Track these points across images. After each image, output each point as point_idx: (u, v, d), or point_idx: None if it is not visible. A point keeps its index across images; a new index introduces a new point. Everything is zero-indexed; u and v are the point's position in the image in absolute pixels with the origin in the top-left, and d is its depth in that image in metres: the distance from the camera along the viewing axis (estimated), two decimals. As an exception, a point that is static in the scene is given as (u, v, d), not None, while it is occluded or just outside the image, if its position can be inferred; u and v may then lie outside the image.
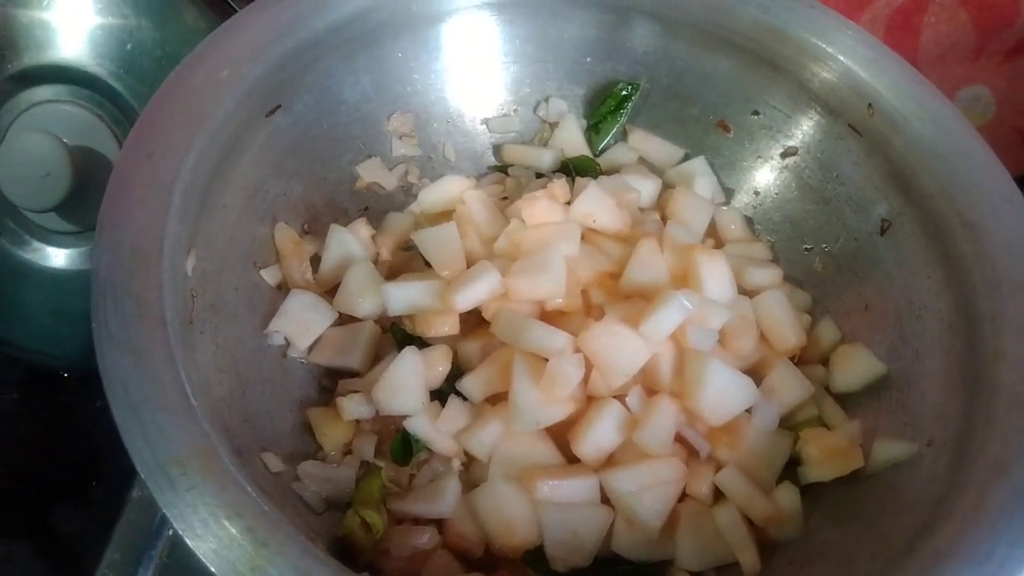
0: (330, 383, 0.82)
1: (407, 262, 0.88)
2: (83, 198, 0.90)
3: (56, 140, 0.89)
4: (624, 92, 0.96)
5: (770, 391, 0.80)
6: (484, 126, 0.98)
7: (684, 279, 0.81)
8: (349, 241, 0.84)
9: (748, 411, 0.77)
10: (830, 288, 0.89)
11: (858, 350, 0.83)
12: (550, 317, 0.78)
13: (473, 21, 0.91)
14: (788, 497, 0.76)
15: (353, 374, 0.81)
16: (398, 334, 0.82)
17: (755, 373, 0.80)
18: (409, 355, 0.76)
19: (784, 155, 0.93)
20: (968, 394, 0.72)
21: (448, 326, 0.78)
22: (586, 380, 0.74)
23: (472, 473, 0.77)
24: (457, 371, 0.79)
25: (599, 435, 0.73)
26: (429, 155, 0.96)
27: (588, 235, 0.84)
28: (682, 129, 0.97)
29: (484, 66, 0.95)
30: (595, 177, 0.91)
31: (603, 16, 0.92)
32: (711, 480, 0.75)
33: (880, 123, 0.83)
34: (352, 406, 0.76)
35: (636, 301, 0.79)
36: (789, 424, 0.81)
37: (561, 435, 0.75)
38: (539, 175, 0.95)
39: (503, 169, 0.97)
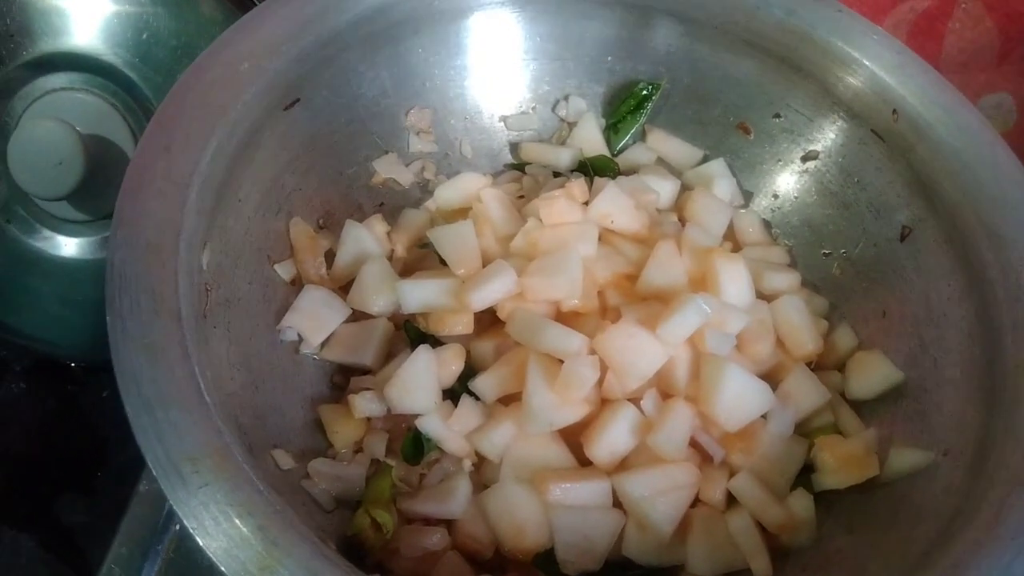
0: (342, 380, 0.81)
1: (422, 259, 0.87)
2: (95, 187, 0.90)
3: (69, 128, 0.88)
4: (644, 92, 0.96)
5: (786, 397, 0.79)
6: (502, 123, 0.97)
7: (702, 282, 0.81)
8: (364, 237, 0.84)
9: (763, 417, 0.77)
10: (848, 293, 0.89)
11: (875, 357, 0.83)
12: (566, 318, 0.78)
13: (494, 18, 0.90)
14: (802, 504, 0.76)
15: (365, 371, 0.80)
16: (412, 332, 0.81)
17: (771, 378, 0.80)
18: (422, 353, 0.76)
19: (805, 159, 0.92)
20: (987, 404, 0.71)
21: (462, 325, 0.78)
22: (601, 382, 0.73)
23: (483, 474, 0.76)
24: (470, 370, 0.78)
25: (613, 438, 0.73)
26: (446, 152, 0.95)
27: (605, 236, 0.83)
28: (702, 130, 0.97)
29: (504, 63, 0.94)
30: (613, 177, 0.90)
31: (625, 15, 0.92)
32: (724, 486, 0.75)
33: (904, 129, 0.83)
34: (364, 404, 0.76)
35: (653, 303, 0.78)
36: (804, 430, 0.80)
37: (574, 437, 0.74)
38: (557, 174, 0.94)
39: (520, 167, 0.96)
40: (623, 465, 0.74)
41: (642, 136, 0.98)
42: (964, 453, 0.70)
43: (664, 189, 0.91)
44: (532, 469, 0.73)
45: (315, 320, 0.79)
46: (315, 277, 0.82)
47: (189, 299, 0.63)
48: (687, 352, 0.75)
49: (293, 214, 0.82)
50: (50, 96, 0.94)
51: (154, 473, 0.55)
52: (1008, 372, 0.70)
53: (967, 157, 0.79)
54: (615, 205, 0.83)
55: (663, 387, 0.76)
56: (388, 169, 0.90)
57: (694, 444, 0.75)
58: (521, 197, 0.91)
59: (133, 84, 0.93)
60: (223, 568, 0.53)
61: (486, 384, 0.76)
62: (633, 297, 0.80)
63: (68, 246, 0.99)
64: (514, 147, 0.98)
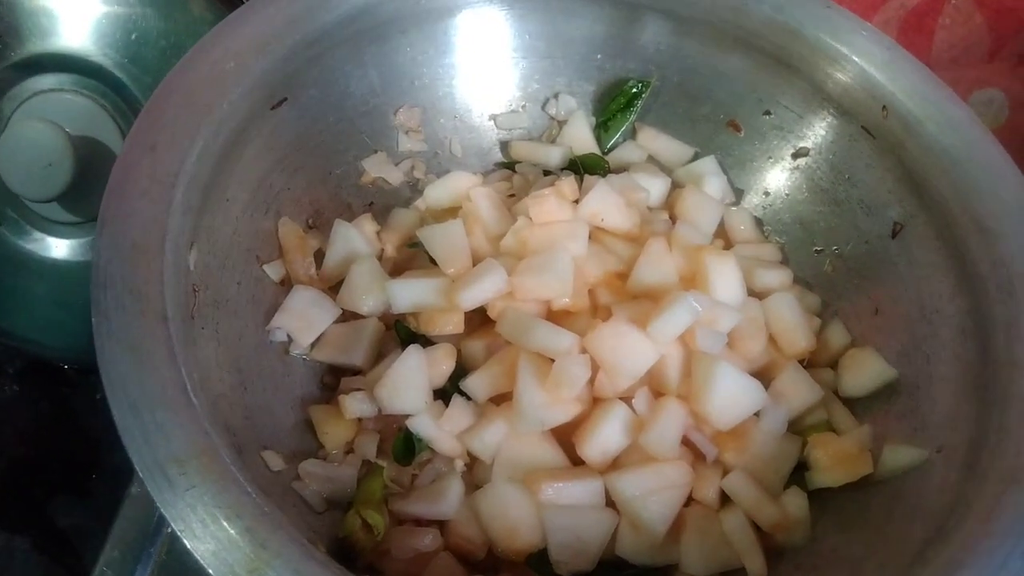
0: (332, 380, 0.81)
1: (412, 259, 0.87)
2: (85, 188, 0.89)
3: (59, 129, 0.88)
4: (634, 90, 0.95)
5: (778, 395, 0.79)
6: (492, 122, 0.97)
7: (693, 280, 0.81)
8: (354, 237, 0.83)
9: (756, 415, 0.77)
10: (840, 291, 0.88)
11: (868, 354, 0.82)
12: (556, 317, 0.77)
13: (483, 16, 0.90)
14: (796, 502, 0.75)
15: (356, 372, 0.80)
16: (402, 332, 0.81)
17: (763, 376, 0.79)
18: (413, 353, 0.75)
19: (795, 156, 0.92)
20: (980, 401, 0.71)
21: (453, 324, 0.77)
22: (592, 381, 0.73)
23: (475, 474, 0.76)
24: (461, 370, 0.78)
25: (605, 437, 0.72)
26: (436, 150, 0.95)
27: (596, 234, 0.83)
28: (692, 128, 0.96)
29: (493, 61, 0.94)
30: (603, 175, 0.90)
31: (614, 12, 0.91)
32: (718, 484, 0.75)
33: (894, 125, 0.82)
34: (354, 404, 0.75)
35: (644, 302, 0.78)
36: (797, 428, 0.80)
37: (566, 437, 0.74)
38: (547, 172, 0.94)
39: (510, 166, 0.96)
40: (615, 464, 0.74)
41: (632, 134, 0.97)
42: (958, 450, 0.70)
43: (654, 187, 0.90)
44: (524, 469, 0.73)
45: (305, 320, 0.79)
46: (304, 277, 0.81)
47: (176, 300, 0.63)
48: (678, 350, 0.75)
49: (282, 214, 0.81)
50: (39, 97, 0.94)
51: (140, 475, 0.55)
52: (1000, 368, 0.70)
53: (957, 153, 0.79)
54: (605, 203, 0.83)
55: (655, 386, 0.76)
56: (377, 168, 0.90)
57: (687, 443, 0.75)
58: (511, 196, 0.90)
59: (122, 85, 0.92)
60: (211, 571, 0.53)
61: (477, 384, 0.76)
62: (624, 295, 0.80)
63: (59, 248, 0.99)
64: (504, 146, 0.97)
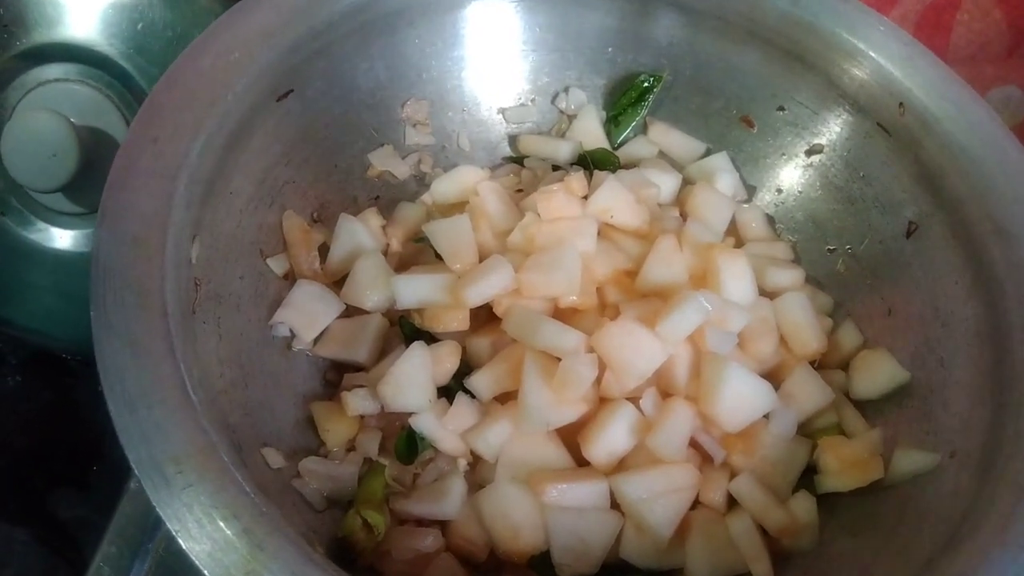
0: (335, 377, 0.80)
1: (418, 254, 0.86)
2: (90, 179, 0.89)
3: (63, 120, 0.87)
4: (646, 84, 0.94)
5: (788, 397, 0.78)
6: (500, 116, 0.96)
7: (703, 279, 0.80)
8: (359, 231, 0.82)
9: (765, 417, 0.76)
10: (853, 291, 0.87)
11: (880, 356, 0.81)
12: (563, 315, 0.76)
13: (492, 8, 0.89)
14: (804, 507, 0.74)
15: (359, 368, 0.79)
16: (406, 328, 0.80)
17: (773, 377, 0.79)
18: (417, 350, 0.74)
19: (809, 153, 0.91)
20: (995, 406, 0.70)
21: (458, 321, 0.76)
22: (599, 381, 0.72)
23: (478, 474, 0.75)
24: (466, 368, 0.77)
25: (611, 438, 0.72)
26: (443, 144, 0.94)
27: (605, 231, 0.82)
28: (704, 123, 0.95)
29: (502, 54, 0.93)
30: (613, 171, 0.89)
31: (626, 5, 0.90)
32: (725, 488, 0.74)
33: (911, 123, 0.81)
34: (357, 401, 0.74)
35: (653, 300, 0.77)
36: (807, 431, 0.79)
37: (571, 437, 0.73)
38: (556, 167, 0.93)
39: (519, 160, 0.95)
40: (621, 466, 0.73)
41: (643, 129, 0.96)
42: (971, 455, 0.69)
43: (665, 183, 0.89)
44: (528, 469, 0.72)
45: (308, 315, 0.78)
46: (308, 272, 0.80)
47: (177, 294, 0.62)
48: (687, 350, 0.74)
49: (286, 207, 0.80)
50: (44, 87, 0.94)
51: (136, 473, 0.54)
52: (1017, 372, 0.69)
53: (975, 152, 0.78)
54: (615, 199, 0.82)
55: (663, 386, 0.75)
56: (384, 162, 0.89)
57: (694, 445, 0.74)
58: (519, 191, 0.89)
59: (128, 75, 0.92)
60: (207, 573, 0.52)
61: (482, 382, 0.75)
62: (633, 294, 0.79)
63: (63, 239, 0.98)
64: (512, 140, 0.96)
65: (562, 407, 0.71)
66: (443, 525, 0.72)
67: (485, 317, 0.79)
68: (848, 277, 0.88)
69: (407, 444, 0.75)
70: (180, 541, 0.53)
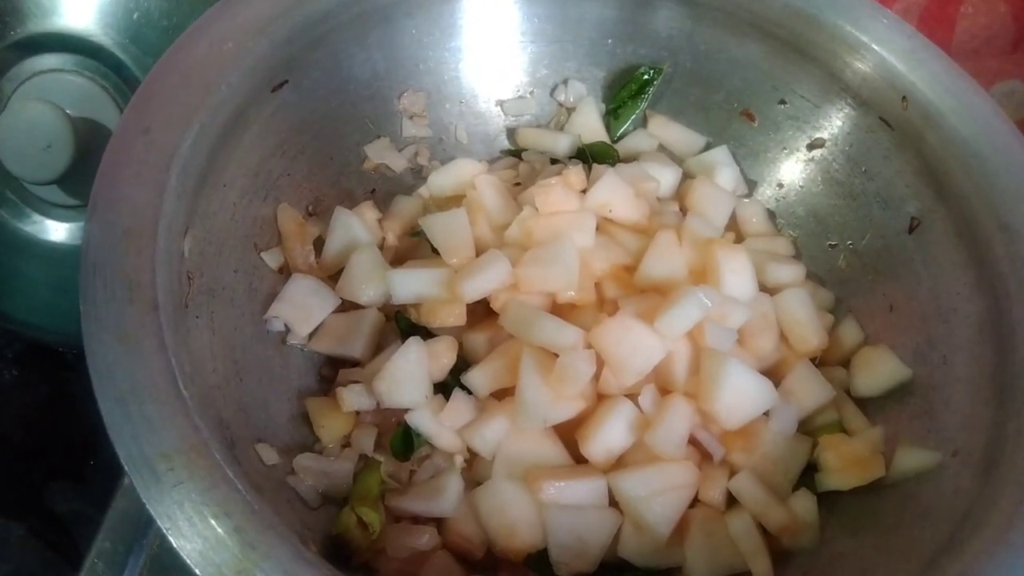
0: (330, 372, 0.79)
1: (414, 248, 0.85)
2: (85, 171, 0.87)
3: (58, 111, 0.87)
4: (646, 76, 0.93)
5: (789, 394, 0.78)
6: (498, 108, 0.95)
7: (703, 274, 0.79)
8: (354, 225, 0.82)
9: (765, 414, 0.75)
10: (854, 287, 0.87)
11: (882, 353, 0.81)
12: (561, 310, 0.76)
13: (490, -2, 0.88)
14: (804, 505, 0.74)
15: (354, 363, 0.78)
16: (402, 323, 0.79)
17: (773, 374, 0.78)
18: (413, 345, 0.73)
19: (811, 147, 0.90)
20: (998, 403, 0.69)
21: (454, 316, 0.76)
22: (597, 377, 0.71)
23: (475, 471, 0.74)
24: (462, 364, 0.76)
25: (609, 435, 0.71)
26: (440, 136, 0.93)
27: (603, 225, 0.81)
28: (705, 117, 0.94)
29: (500, 45, 0.92)
30: (613, 164, 0.88)
31: (626, -4, 0.89)
32: (724, 486, 0.73)
33: (914, 117, 0.80)
34: (352, 397, 0.74)
35: (652, 296, 0.76)
36: (807, 428, 0.79)
37: (569, 434, 0.73)
38: (554, 161, 0.92)
39: (517, 153, 0.94)
40: (620, 463, 0.72)
41: (643, 122, 0.95)
42: (974, 454, 0.68)
43: (665, 177, 0.88)
44: (525, 466, 0.71)
45: (303, 310, 0.77)
46: (303, 265, 0.80)
47: (168, 288, 0.61)
48: (687, 347, 0.74)
49: (281, 200, 0.80)
50: (39, 77, 0.93)
51: (126, 470, 0.53)
52: (1020, 370, 0.68)
53: (979, 146, 0.77)
54: (614, 193, 0.81)
55: (661, 383, 0.74)
56: (380, 154, 0.88)
57: (693, 442, 0.73)
58: (517, 184, 0.88)
59: (124, 66, 0.91)
60: (198, 572, 0.52)
61: (479, 378, 0.74)
62: (631, 289, 0.78)
63: (58, 231, 0.98)
64: (511, 132, 0.95)
65: (560, 404, 0.71)
66: (439, 523, 0.72)
67: (482, 312, 0.78)
68: (849, 273, 0.87)
69: (403, 440, 0.74)
70: (170, 539, 0.52)
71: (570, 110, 0.95)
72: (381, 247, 0.84)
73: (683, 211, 0.87)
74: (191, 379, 0.59)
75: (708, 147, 0.95)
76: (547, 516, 0.69)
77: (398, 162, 0.90)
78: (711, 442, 0.73)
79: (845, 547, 0.72)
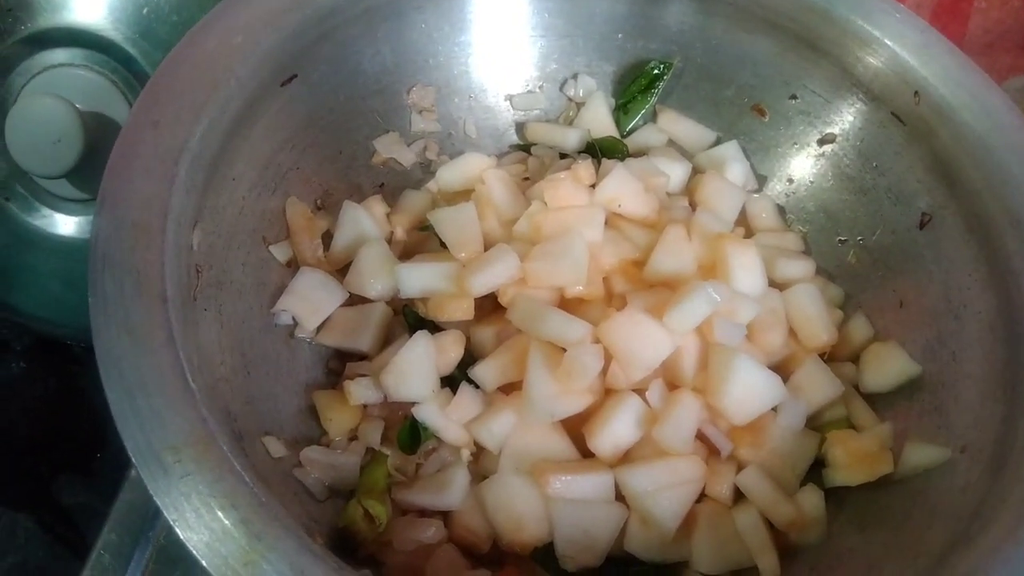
0: (338, 366, 0.79)
1: (422, 242, 0.85)
2: (94, 165, 0.87)
3: (68, 105, 0.87)
4: (656, 71, 0.93)
5: (797, 389, 0.77)
6: (508, 102, 0.94)
7: (712, 269, 0.79)
8: (363, 218, 0.82)
9: (773, 410, 0.75)
10: (864, 283, 0.86)
11: (891, 349, 0.80)
12: (570, 305, 0.76)
13: (500, -8, 0.88)
14: (812, 501, 0.74)
15: (362, 357, 0.78)
16: (410, 317, 0.79)
17: (782, 370, 0.78)
18: (421, 339, 0.73)
19: (821, 142, 0.89)
20: (1008, 400, 0.69)
21: (462, 311, 0.76)
22: (605, 372, 0.71)
23: (482, 464, 0.74)
24: (470, 358, 0.76)
25: (616, 430, 0.71)
26: (449, 131, 0.93)
27: (612, 220, 0.81)
28: (715, 112, 0.94)
29: (510, 40, 0.91)
30: (622, 159, 0.88)
31: (637, -10, 0.89)
32: (732, 481, 0.73)
33: (926, 112, 0.80)
34: (359, 390, 0.74)
35: (661, 291, 0.76)
36: (816, 424, 0.78)
37: (576, 428, 0.72)
38: (563, 155, 0.91)
39: (526, 148, 0.94)
40: (627, 458, 0.72)
41: (653, 117, 0.95)
42: (983, 450, 0.68)
43: (675, 172, 0.88)
44: (532, 460, 0.71)
45: (311, 303, 0.77)
46: (312, 259, 0.80)
47: (177, 281, 0.61)
48: (695, 342, 0.73)
49: (290, 194, 0.80)
50: (49, 72, 0.93)
51: (134, 461, 0.53)
52: (1031, 367, 0.68)
53: (992, 142, 0.76)
54: (623, 188, 0.81)
55: (669, 378, 0.74)
56: (389, 148, 0.88)
57: (701, 437, 0.73)
58: (526, 179, 0.88)
59: (133, 60, 0.91)
60: (204, 563, 0.52)
61: (486, 372, 0.74)
62: (640, 284, 0.78)
63: (67, 225, 0.98)
64: (520, 127, 0.95)
65: (567, 398, 0.70)
66: (445, 516, 0.72)
67: (490, 307, 0.78)
68: (859, 269, 0.87)
69: (410, 434, 0.74)
70: (177, 531, 0.52)
71: (579, 105, 0.95)
72: (389, 241, 0.84)
73: (692, 206, 0.87)
74: (199, 372, 0.59)
75: (718, 142, 0.94)
76: (553, 510, 0.69)
77: (407, 156, 0.90)
78: (719, 437, 0.72)
79: (853, 543, 0.71)
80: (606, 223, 0.79)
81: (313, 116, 0.81)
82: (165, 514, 0.52)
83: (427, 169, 0.92)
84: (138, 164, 0.63)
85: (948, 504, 0.67)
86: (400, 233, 0.85)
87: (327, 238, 0.82)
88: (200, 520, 0.52)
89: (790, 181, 0.92)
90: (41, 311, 1.00)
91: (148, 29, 0.90)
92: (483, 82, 0.93)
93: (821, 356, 0.81)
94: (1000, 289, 0.73)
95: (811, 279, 0.86)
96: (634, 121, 0.95)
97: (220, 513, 0.52)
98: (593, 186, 0.82)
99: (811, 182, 0.91)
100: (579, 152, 0.92)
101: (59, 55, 0.93)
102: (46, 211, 0.98)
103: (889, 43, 0.81)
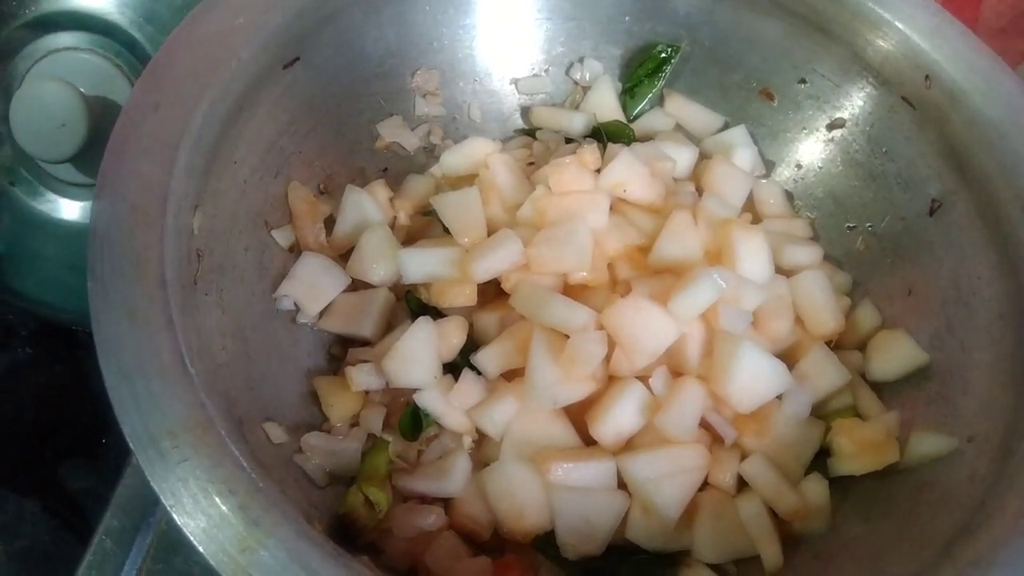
0: (340, 351, 0.79)
1: (425, 227, 0.85)
2: (99, 149, 0.85)
3: (73, 89, 0.87)
4: (663, 55, 0.92)
5: (803, 377, 0.76)
6: (513, 86, 0.94)
7: (718, 255, 0.78)
8: (366, 203, 0.81)
9: (778, 397, 0.74)
10: (872, 270, 0.85)
11: (899, 337, 0.79)
12: (573, 291, 0.75)
13: (505, -26, 0.87)
14: (816, 490, 0.73)
15: (364, 343, 0.78)
16: (413, 303, 0.79)
17: (788, 357, 0.77)
18: (423, 325, 0.73)
19: (831, 127, 0.88)
20: (1017, 389, 0.68)
21: (465, 296, 0.75)
22: (608, 359, 0.71)
23: (483, 451, 0.74)
24: (472, 344, 0.76)
25: (619, 417, 0.70)
26: (454, 115, 0.92)
27: (618, 205, 0.80)
28: (723, 96, 0.93)
29: (516, 22, 0.91)
30: (628, 144, 0.87)
31: (644, -28, 0.88)
32: (735, 469, 0.72)
33: (937, 96, 0.78)
34: (361, 376, 0.73)
35: (666, 277, 0.75)
36: (821, 412, 0.78)
37: (579, 416, 0.72)
38: (569, 140, 0.91)
39: (531, 132, 0.93)
40: (629, 445, 0.72)
41: (660, 101, 0.94)
42: (990, 440, 0.67)
43: (681, 157, 0.87)
44: (534, 447, 0.71)
45: (313, 289, 0.77)
46: (314, 244, 0.79)
47: (177, 265, 0.61)
48: (700, 329, 0.73)
49: (292, 178, 0.79)
50: (54, 56, 0.93)
51: (131, 446, 0.53)
52: (1040, 356, 0.67)
53: (1005, 128, 0.75)
54: (629, 173, 0.80)
55: (674, 365, 0.73)
56: (393, 133, 0.87)
57: (705, 425, 0.72)
58: (531, 164, 0.87)
59: (137, 44, 0.91)
60: (201, 549, 0.51)
61: (488, 358, 0.73)
62: (645, 270, 0.77)
63: (72, 210, 0.98)
64: (525, 111, 0.94)
65: (570, 385, 0.70)
66: (446, 503, 0.71)
67: (493, 292, 0.78)
68: (868, 255, 0.86)
69: (411, 420, 0.74)
70: (174, 516, 0.52)
71: (586, 89, 0.94)
72: (392, 226, 0.84)
73: (699, 191, 0.86)
74: (199, 356, 0.59)
75: (726, 127, 0.93)
76: (555, 498, 0.69)
77: (411, 141, 0.89)
78: (723, 425, 0.72)
79: (857, 532, 0.71)
80: (611, 208, 0.78)
81: (316, 99, 0.81)
82: (162, 499, 0.52)
83: (431, 153, 0.91)
84: (138, 147, 0.63)
85: (954, 494, 0.66)
86: (403, 218, 0.85)
87: (329, 223, 0.81)
88: (197, 506, 0.52)
89: (798, 167, 0.91)
90: (46, 296, 1.00)
91: (153, 12, 0.90)
92: (488, 65, 0.92)
93: (828, 344, 0.80)
94: (1010, 276, 0.72)
95: (819, 266, 0.85)
96: (641, 105, 0.94)
97: (218, 499, 0.52)
98: (598, 171, 0.81)
99: (820, 168, 0.90)
100: (585, 137, 0.91)
101: (63, 39, 0.92)
102: (51, 196, 0.98)
103: (900, 26, 0.80)
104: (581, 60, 0.94)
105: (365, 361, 0.75)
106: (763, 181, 0.91)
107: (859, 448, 0.73)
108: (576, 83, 0.94)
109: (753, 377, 0.71)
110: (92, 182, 0.95)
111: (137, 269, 0.58)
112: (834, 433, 0.75)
